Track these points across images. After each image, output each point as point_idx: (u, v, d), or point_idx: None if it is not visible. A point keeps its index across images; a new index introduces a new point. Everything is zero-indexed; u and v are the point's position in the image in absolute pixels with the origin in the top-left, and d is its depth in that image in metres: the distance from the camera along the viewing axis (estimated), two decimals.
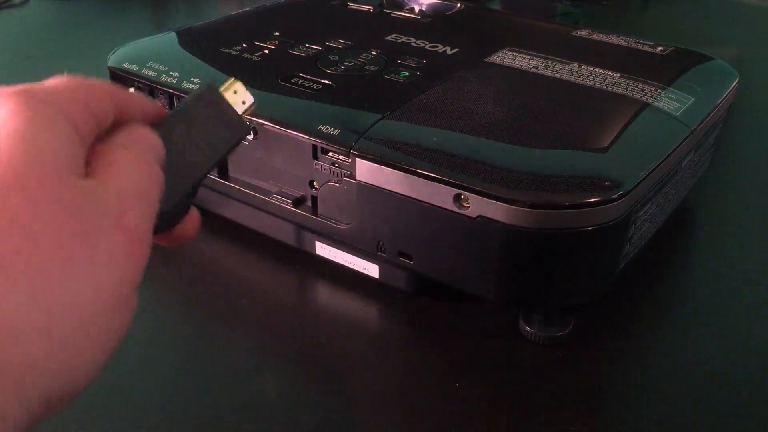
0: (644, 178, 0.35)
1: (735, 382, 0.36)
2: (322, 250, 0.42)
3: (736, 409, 0.34)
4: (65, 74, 0.23)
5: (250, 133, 0.41)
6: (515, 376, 0.36)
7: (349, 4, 0.58)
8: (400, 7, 0.57)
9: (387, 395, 0.35)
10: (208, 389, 0.35)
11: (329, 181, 0.39)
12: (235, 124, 0.28)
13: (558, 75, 0.43)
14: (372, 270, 0.41)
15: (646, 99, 0.40)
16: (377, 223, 0.38)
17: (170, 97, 0.44)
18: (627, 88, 0.42)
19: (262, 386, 0.36)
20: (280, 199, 0.41)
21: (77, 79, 0.23)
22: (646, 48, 0.49)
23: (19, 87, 0.21)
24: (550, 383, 0.36)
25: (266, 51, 0.47)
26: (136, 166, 0.22)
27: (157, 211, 0.22)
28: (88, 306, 0.19)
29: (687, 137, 0.39)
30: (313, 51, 0.47)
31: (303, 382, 0.36)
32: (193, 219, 0.27)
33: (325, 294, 0.43)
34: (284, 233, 0.44)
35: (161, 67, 0.45)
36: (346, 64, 0.45)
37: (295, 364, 0.37)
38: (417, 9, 0.57)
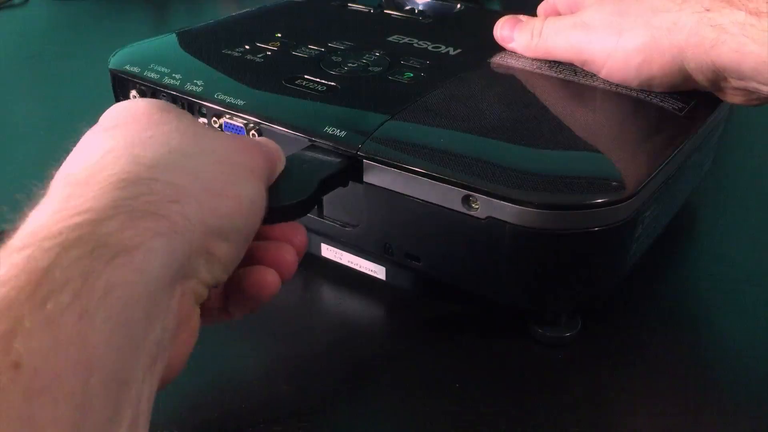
0: (652, 178, 0.35)
1: (736, 383, 0.36)
2: (328, 251, 0.42)
3: (737, 410, 0.34)
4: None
5: None
6: (517, 377, 0.36)
7: (350, 4, 0.58)
8: (400, 8, 0.57)
9: (390, 395, 0.35)
10: (209, 390, 0.35)
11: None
12: None
13: (561, 75, 0.43)
14: (379, 272, 0.41)
15: (651, 98, 0.40)
16: (385, 224, 0.38)
17: (173, 99, 0.44)
18: (631, 88, 0.42)
19: (264, 387, 0.36)
20: None
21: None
22: None
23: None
24: (552, 383, 0.36)
25: (269, 52, 0.47)
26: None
27: None
28: (217, 163, 0.26)
29: (692, 136, 0.39)
30: (316, 52, 0.47)
31: (307, 383, 0.36)
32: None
33: (330, 295, 0.43)
34: None
35: (163, 69, 0.44)
36: (349, 65, 0.45)
37: (301, 366, 0.37)
38: (416, 9, 0.57)
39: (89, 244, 0.19)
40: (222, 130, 0.42)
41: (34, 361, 0.17)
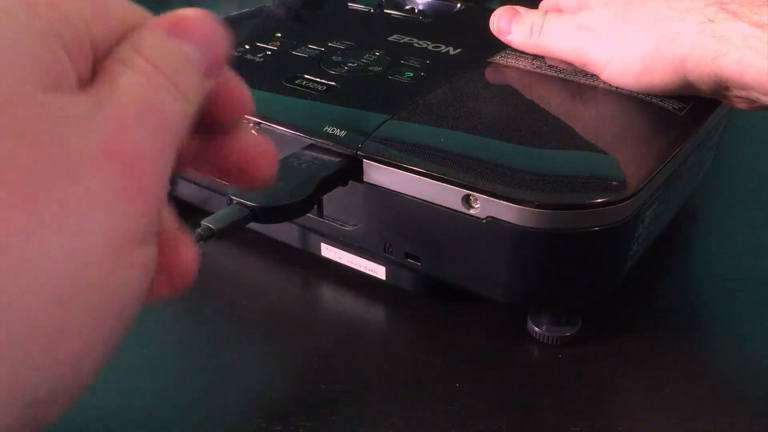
0: (652, 178, 0.35)
1: (736, 383, 0.36)
2: (328, 251, 0.42)
3: (737, 410, 0.34)
4: None
5: None
6: (517, 376, 0.36)
7: (350, 4, 0.58)
8: (400, 8, 0.57)
9: (391, 395, 0.35)
10: (209, 391, 0.35)
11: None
12: None
13: (561, 75, 0.43)
14: (379, 271, 0.41)
15: (651, 98, 0.40)
16: (384, 224, 0.38)
17: None
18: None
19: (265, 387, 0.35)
20: None
21: None
22: None
23: None
24: (551, 383, 0.36)
25: (269, 52, 0.47)
26: (147, 74, 0.16)
27: (180, 141, 0.16)
28: (64, 263, 0.14)
29: (692, 136, 0.39)
30: (316, 52, 0.47)
31: (307, 382, 0.36)
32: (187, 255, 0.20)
33: (330, 295, 0.43)
34: (289, 235, 0.44)
35: None
36: (349, 64, 0.45)
37: (300, 366, 0.37)
38: (416, 9, 0.57)
39: None
40: None
41: None
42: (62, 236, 0.14)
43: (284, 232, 0.44)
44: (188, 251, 0.19)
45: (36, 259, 0.13)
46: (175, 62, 0.17)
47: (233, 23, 0.54)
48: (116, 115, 0.15)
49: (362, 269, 0.41)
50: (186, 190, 0.48)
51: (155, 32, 0.17)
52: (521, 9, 0.45)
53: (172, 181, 0.48)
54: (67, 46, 0.15)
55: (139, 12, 0.18)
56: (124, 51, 0.17)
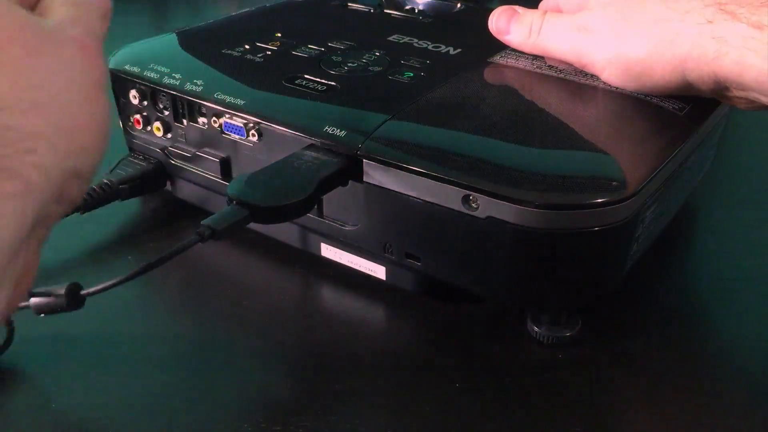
0: (652, 178, 0.35)
1: (736, 383, 0.36)
2: (328, 251, 0.42)
3: (737, 410, 0.34)
4: None
5: None
6: (517, 376, 0.36)
7: (350, 4, 0.58)
8: (400, 8, 0.57)
9: (390, 395, 0.35)
10: (209, 391, 0.35)
11: None
12: None
13: (561, 75, 0.43)
14: (379, 271, 0.41)
15: (651, 98, 0.40)
16: (384, 224, 0.38)
17: (173, 99, 0.44)
18: None
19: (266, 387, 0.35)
20: None
21: None
22: None
23: None
24: (551, 383, 0.36)
25: (269, 52, 0.47)
26: (71, 6, 0.25)
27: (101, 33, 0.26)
28: (66, 89, 0.22)
29: (692, 136, 0.39)
30: (316, 52, 0.47)
31: (307, 382, 0.36)
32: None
33: (330, 295, 0.43)
34: (289, 235, 0.44)
35: (163, 69, 0.44)
36: (349, 64, 0.45)
37: (300, 366, 0.37)
38: (417, 9, 0.57)
39: None
40: (222, 129, 0.42)
41: None
42: (59, 73, 0.22)
43: (284, 232, 0.44)
44: None
45: (45, 80, 0.22)
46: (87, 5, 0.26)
47: (234, 23, 0.54)
48: (63, 20, 0.24)
49: (362, 269, 0.41)
50: (186, 191, 0.48)
51: None
52: (520, 9, 0.45)
53: (172, 182, 0.48)
54: None
55: None
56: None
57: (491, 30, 0.46)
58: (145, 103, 0.46)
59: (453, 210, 0.35)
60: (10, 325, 0.36)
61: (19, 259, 0.21)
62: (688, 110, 0.40)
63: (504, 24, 0.45)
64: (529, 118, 0.38)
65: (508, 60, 0.45)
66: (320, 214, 0.40)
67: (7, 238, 0.19)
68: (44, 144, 0.21)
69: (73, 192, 0.23)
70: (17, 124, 0.20)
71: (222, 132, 0.43)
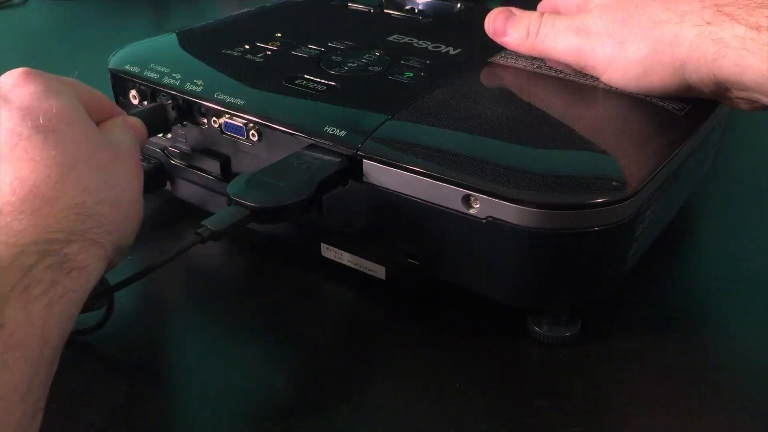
0: (652, 178, 0.35)
1: (736, 383, 0.36)
2: (328, 251, 0.42)
3: (737, 410, 0.34)
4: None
5: None
6: (516, 377, 0.36)
7: (350, 4, 0.58)
8: (400, 8, 0.57)
9: (390, 395, 0.35)
10: (209, 391, 0.35)
11: None
12: None
13: (561, 75, 0.43)
14: (379, 271, 0.41)
15: (651, 98, 0.40)
16: (384, 224, 0.38)
17: (173, 98, 0.44)
18: None
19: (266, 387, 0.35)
20: None
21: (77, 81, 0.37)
22: None
23: (21, 68, 0.34)
24: (551, 383, 0.36)
25: (269, 52, 0.47)
26: (125, 131, 0.37)
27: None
28: (128, 189, 0.33)
29: (692, 136, 0.39)
30: (316, 52, 0.47)
31: (307, 382, 0.36)
32: None
33: (330, 295, 0.43)
34: (289, 235, 0.44)
35: (163, 69, 0.44)
36: (349, 64, 0.45)
37: (300, 366, 0.37)
38: (417, 9, 0.57)
39: (58, 258, 0.27)
40: (222, 130, 0.42)
41: (13, 326, 0.25)
42: (126, 181, 0.34)
43: (284, 232, 0.44)
44: None
45: (120, 186, 0.33)
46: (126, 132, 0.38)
47: (234, 23, 0.54)
48: (122, 141, 0.36)
49: (362, 269, 0.41)
50: (186, 191, 0.48)
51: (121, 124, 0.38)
52: (516, 11, 0.45)
53: (172, 182, 0.48)
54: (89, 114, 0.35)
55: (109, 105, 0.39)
56: (113, 122, 0.38)
57: (488, 32, 0.46)
58: (145, 103, 0.46)
59: (453, 210, 0.34)
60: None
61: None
62: (688, 110, 0.40)
63: (501, 26, 0.45)
64: (529, 118, 0.38)
65: (508, 60, 0.45)
66: (320, 214, 0.40)
67: (92, 283, 0.29)
68: (116, 228, 0.31)
69: (115, 262, 0.33)
70: (106, 213, 0.31)
71: (222, 132, 0.43)
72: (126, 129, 0.37)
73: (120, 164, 0.34)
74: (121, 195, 0.33)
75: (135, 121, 0.40)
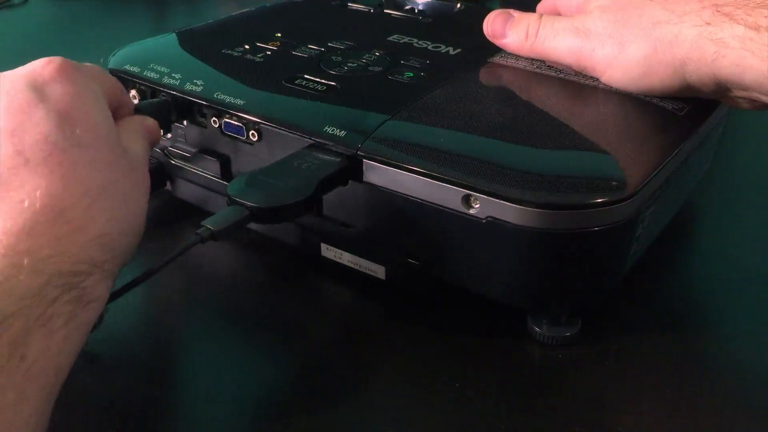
0: (652, 178, 0.35)
1: (736, 383, 0.36)
2: (328, 251, 0.42)
3: (737, 410, 0.34)
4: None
5: None
6: (517, 377, 0.36)
7: (350, 4, 0.58)
8: (400, 8, 0.57)
9: (391, 395, 0.35)
10: (209, 391, 0.35)
11: None
12: None
13: (561, 75, 0.43)
14: (379, 271, 0.41)
15: (651, 98, 0.40)
16: (384, 224, 0.38)
17: (173, 98, 0.44)
18: None
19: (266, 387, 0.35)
20: None
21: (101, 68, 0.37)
22: None
23: (58, 59, 0.34)
24: (551, 383, 0.36)
25: (268, 52, 0.47)
26: (140, 140, 0.36)
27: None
28: (140, 215, 0.33)
29: (692, 136, 0.39)
30: (316, 52, 0.47)
31: (307, 382, 0.36)
32: None
33: (330, 295, 0.43)
34: (289, 235, 0.44)
35: (163, 69, 0.44)
36: (349, 64, 0.45)
37: (301, 366, 0.37)
38: (417, 9, 0.57)
39: (78, 292, 0.28)
40: (222, 130, 0.42)
41: (34, 358, 0.25)
42: (136, 196, 0.33)
43: (284, 232, 0.44)
44: None
45: (128, 204, 0.32)
46: (143, 139, 0.37)
47: (234, 23, 0.54)
48: (136, 154, 0.35)
49: (362, 269, 0.41)
50: (186, 191, 0.48)
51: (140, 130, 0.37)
52: (515, 12, 0.45)
53: (172, 182, 0.48)
54: (110, 108, 0.35)
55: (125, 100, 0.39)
56: (132, 128, 0.37)
57: (486, 34, 0.46)
58: None
59: (453, 210, 0.34)
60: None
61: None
62: (688, 110, 0.40)
63: (500, 28, 0.45)
64: (528, 119, 0.38)
65: (508, 60, 0.45)
66: (320, 214, 0.40)
67: (101, 309, 0.30)
68: (128, 252, 0.32)
69: (114, 277, 0.33)
70: (116, 242, 0.31)
71: (222, 132, 0.43)
72: (142, 137, 0.37)
73: (138, 187, 0.33)
74: (136, 219, 0.32)
75: (153, 125, 0.39)
